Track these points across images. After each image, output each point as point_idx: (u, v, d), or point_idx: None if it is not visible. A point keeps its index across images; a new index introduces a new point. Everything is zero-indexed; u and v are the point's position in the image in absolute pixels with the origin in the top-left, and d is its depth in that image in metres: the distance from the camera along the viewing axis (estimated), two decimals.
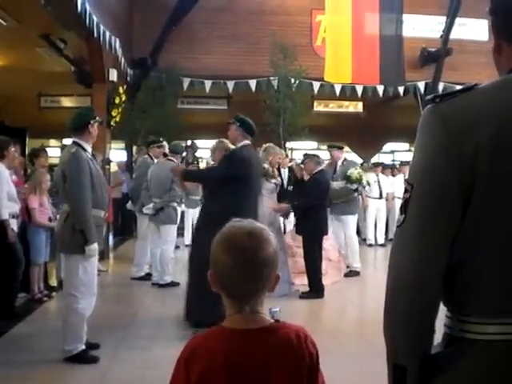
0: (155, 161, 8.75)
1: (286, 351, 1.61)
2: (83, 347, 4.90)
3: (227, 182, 5.69)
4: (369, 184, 9.35)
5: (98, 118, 5.19)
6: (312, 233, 7.75)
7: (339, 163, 9.52)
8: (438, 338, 1.44)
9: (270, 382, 1.59)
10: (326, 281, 8.03)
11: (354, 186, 9.13)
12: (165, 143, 9.13)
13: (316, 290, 7.57)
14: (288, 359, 1.61)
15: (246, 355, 1.60)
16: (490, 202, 1.28)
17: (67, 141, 17.25)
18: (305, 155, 9.19)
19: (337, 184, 9.17)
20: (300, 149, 19.52)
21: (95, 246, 4.88)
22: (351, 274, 9.18)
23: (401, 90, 14.83)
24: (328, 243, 8.67)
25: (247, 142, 5.91)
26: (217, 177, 5.88)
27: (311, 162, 8.23)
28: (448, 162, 1.30)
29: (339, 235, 9.34)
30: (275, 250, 1.63)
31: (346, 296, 8.07)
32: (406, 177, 1.43)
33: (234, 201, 5.50)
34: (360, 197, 12.89)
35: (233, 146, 6.27)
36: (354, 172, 9.14)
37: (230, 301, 1.64)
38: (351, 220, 9.41)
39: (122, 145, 15.01)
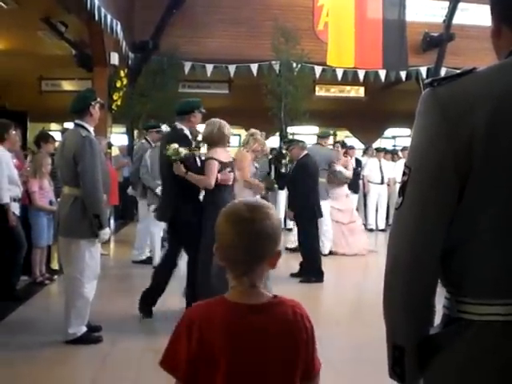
0: (153, 145, 8.75)
1: (284, 328, 1.67)
2: (85, 329, 4.94)
3: None
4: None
5: (99, 100, 5.13)
6: (305, 217, 7.73)
7: None
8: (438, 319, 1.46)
9: (268, 358, 1.64)
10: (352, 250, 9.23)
11: None
12: (163, 127, 9.10)
13: (315, 274, 7.58)
14: (286, 336, 1.66)
15: (246, 330, 1.64)
16: (485, 184, 1.29)
17: (68, 124, 17.31)
18: (289, 140, 9.16)
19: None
20: (301, 133, 19.51)
21: (108, 231, 4.92)
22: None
23: (403, 74, 14.79)
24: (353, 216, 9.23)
25: None
26: None
27: (296, 147, 8.19)
28: (445, 146, 1.31)
29: None
30: (276, 224, 1.67)
31: (347, 280, 8.11)
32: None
33: None
34: (361, 181, 12.98)
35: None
36: None
37: (230, 273, 1.69)
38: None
39: (123, 129, 15.00)
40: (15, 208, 6.31)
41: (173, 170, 5.48)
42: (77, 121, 4.99)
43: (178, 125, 5.79)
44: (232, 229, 1.65)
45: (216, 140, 5.68)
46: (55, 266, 7.82)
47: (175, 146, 5.43)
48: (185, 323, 1.67)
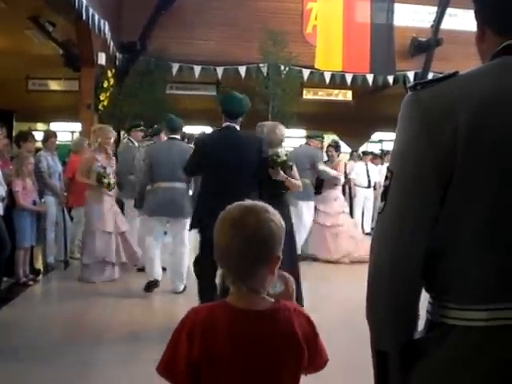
0: (136, 144, 8.71)
1: (287, 334, 1.66)
2: None
3: None
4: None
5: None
6: None
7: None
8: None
9: (270, 364, 1.63)
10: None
11: None
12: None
13: None
14: (288, 342, 1.65)
15: (249, 337, 1.63)
16: (468, 188, 1.28)
17: (54, 124, 17.26)
18: None
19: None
20: (288, 136, 19.47)
21: None
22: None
23: (390, 79, 14.83)
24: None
25: None
26: None
27: None
28: (426, 149, 1.30)
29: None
30: (273, 229, 1.64)
31: (332, 284, 8.10)
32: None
33: None
34: (347, 185, 12.96)
35: None
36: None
37: (230, 278, 1.67)
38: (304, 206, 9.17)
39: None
40: None
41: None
42: (173, 135, 7.03)
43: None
44: (226, 233, 1.63)
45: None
46: (39, 266, 7.77)
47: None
48: (186, 328, 1.63)
